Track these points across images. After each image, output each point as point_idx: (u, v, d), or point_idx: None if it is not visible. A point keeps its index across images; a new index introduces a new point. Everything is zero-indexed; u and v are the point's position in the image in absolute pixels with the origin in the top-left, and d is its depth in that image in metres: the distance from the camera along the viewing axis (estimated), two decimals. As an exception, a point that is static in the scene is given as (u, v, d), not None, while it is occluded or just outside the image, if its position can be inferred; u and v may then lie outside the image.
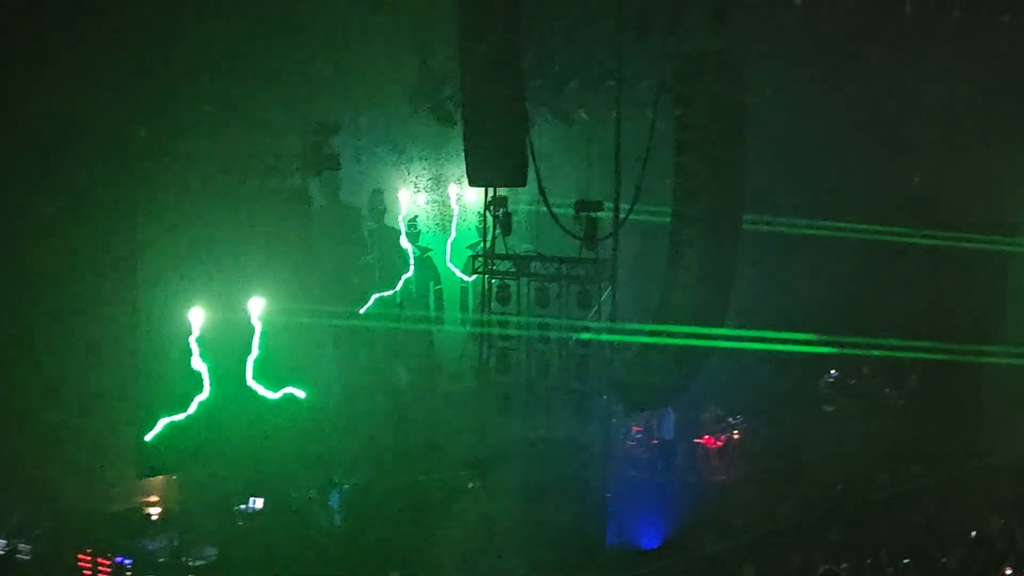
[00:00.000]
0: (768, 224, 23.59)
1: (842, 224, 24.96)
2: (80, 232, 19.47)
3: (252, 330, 20.92)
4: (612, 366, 21.48)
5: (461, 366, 24.30)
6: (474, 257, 23.25)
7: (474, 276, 23.22)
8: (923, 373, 27.13)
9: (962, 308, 26.35)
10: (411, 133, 24.10)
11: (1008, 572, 17.91)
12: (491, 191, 21.72)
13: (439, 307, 25.50)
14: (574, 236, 21.26)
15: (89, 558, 18.96)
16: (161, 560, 19.46)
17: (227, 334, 20.64)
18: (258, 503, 20.83)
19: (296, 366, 21.59)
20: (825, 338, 25.11)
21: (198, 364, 20.34)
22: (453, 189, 25.46)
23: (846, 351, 25.57)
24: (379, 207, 24.53)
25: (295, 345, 21.54)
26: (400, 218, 24.85)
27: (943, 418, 25.82)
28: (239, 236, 20.80)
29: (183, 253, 20.18)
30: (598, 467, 21.40)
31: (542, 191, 20.96)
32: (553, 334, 21.59)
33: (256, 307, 20.91)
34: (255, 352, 20.95)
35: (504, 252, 21.91)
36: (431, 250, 25.35)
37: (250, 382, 20.97)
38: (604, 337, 21.35)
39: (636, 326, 21.63)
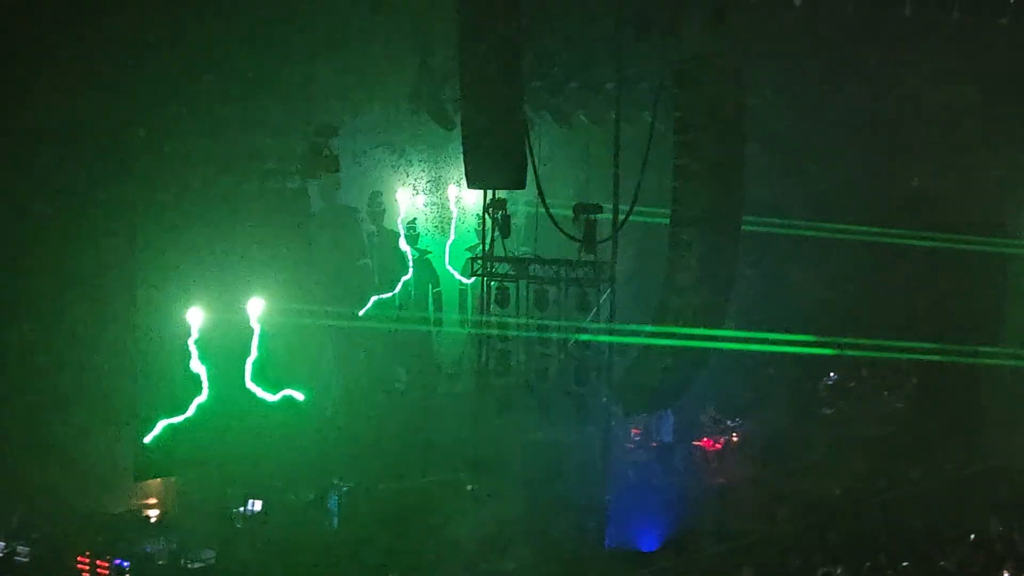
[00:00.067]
0: (767, 226, 23.58)
1: (841, 226, 24.95)
2: (79, 233, 19.46)
3: (251, 332, 20.91)
4: (611, 368, 21.46)
5: (460, 368, 24.33)
6: (473, 259, 23.25)
7: (473, 278, 23.21)
8: (922, 376, 27.14)
9: (961, 310, 26.36)
10: (410, 135, 24.08)
11: (1007, 575, 17.93)
12: (490, 193, 21.72)
13: (438, 309, 25.48)
14: (573, 238, 21.25)
15: (88, 560, 18.94)
16: (160, 562, 19.44)
17: (226, 336, 20.63)
18: (257, 505, 20.83)
19: (295, 368, 21.58)
20: (824, 340, 25.12)
21: (197, 366, 20.34)
22: (452, 191, 25.46)
23: (844, 353, 25.57)
24: (378, 209, 24.50)
25: (294, 347, 21.53)
26: (399, 220, 24.84)
27: (942, 421, 25.84)
28: (238, 238, 20.79)
29: (182, 255, 20.16)
30: (597, 469, 21.39)
31: (541, 193, 20.96)
32: (552, 335, 21.58)
33: (255, 309, 20.90)
34: (254, 354, 20.94)
35: (503, 254, 21.91)
36: (430, 252, 25.33)
37: (249, 384, 20.96)
38: (603, 338, 21.33)
39: (635, 327, 21.62)
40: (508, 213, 21.80)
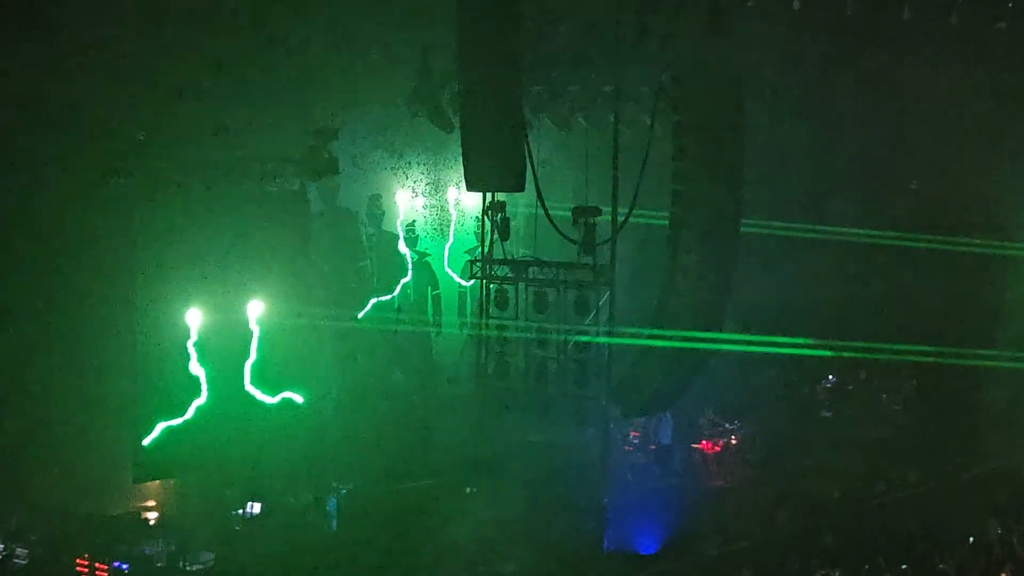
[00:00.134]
0: (766, 228, 23.59)
1: (839, 228, 24.96)
2: (78, 235, 19.47)
3: (250, 334, 20.91)
4: (610, 370, 21.46)
5: (459, 371, 24.33)
6: (472, 262, 23.26)
7: (472, 281, 23.23)
8: (921, 379, 27.14)
9: (961, 313, 26.37)
10: (410, 138, 24.10)
11: (1005, 578, 17.96)
12: (489, 196, 21.73)
13: (437, 312, 25.50)
14: (572, 241, 21.27)
15: (86, 563, 18.96)
16: (159, 565, 19.47)
17: (225, 339, 20.64)
18: (256, 507, 20.84)
19: (294, 371, 21.58)
20: (822, 342, 25.13)
21: (196, 369, 20.35)
22: (451, 194, 25.47)
23: (843, 355, 25.58)
24: (377, 211, 24.54)
25: (293, 349, 21.54)
26: (398, 223, 24.87)
27: (941, 424, 25.83)
28: (237, 240, 20.78)
29: (181, 257, 20.18)
30: (596, 471, 21.39)
31: (540, 196, 20.97)
32: (551, 337, 21.59)
33: (254, 312, 20.91)
34: (253, 357, 20.95)
35: (502, 257, 21.92)
36: (429, 255, 25.37)
37: (248, 387, 20.97)
38: (602, 340, 21.34)
39: (634, 330, 21.62)
40: (507, 216, 21.83)
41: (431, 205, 25.36)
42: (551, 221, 21.21)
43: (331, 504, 21.20)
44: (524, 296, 21.74)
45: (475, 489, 21.79)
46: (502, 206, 21.72)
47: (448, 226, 25.70)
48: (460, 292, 25.76)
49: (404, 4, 22.13)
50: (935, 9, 22.66)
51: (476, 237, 24.14)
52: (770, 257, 24.43)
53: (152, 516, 20.53)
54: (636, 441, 24.50)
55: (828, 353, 25.35)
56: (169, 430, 20.19)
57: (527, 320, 21.74)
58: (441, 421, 23.46)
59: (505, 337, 21.77)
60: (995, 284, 26.51)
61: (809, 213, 25.10)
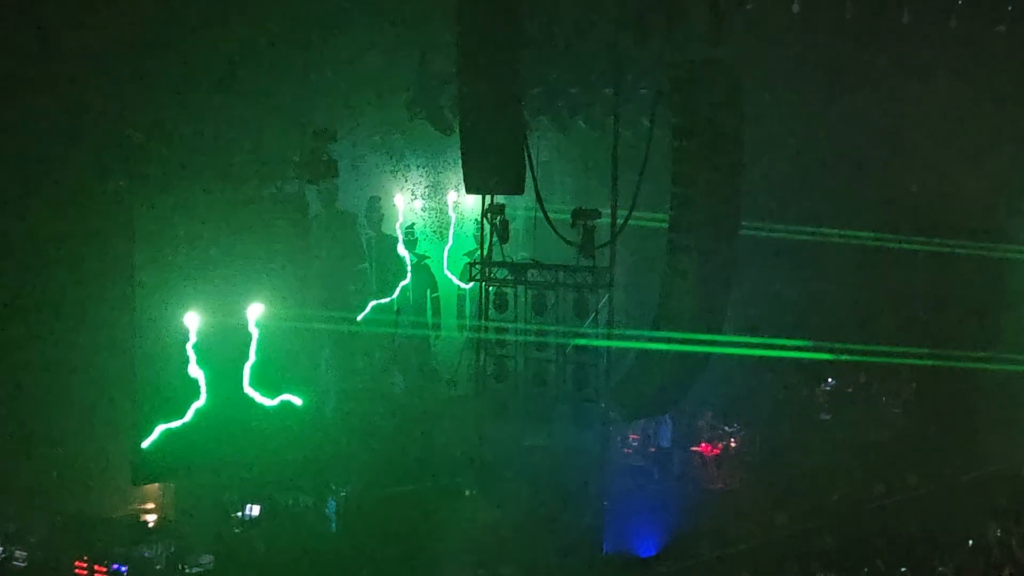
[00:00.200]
0: (765, 230, 23.59)
1: (839, 230, 24.97)
2: (77, 237, 19.45)
3: (249, 337, 20.89)
4: (609, 373, 21.46)
5: (458, 374, 24.32)
6: (471, 264, 23.24)
7: (471, 283, 23.20)
8: (921, 381, 27.14)
9: (960, 315, 26.38)
10: (409, 140, 24.10)
11: (1005, 581, 17.96)
12: (488, 199, 21.72)
13: (436, 314, 25.48)
14: (571, 244, 21.27)
15: (85, 565, 18.94)
16: (158, 567, 19.44)
17: (224, 341, 20.60)
18: (255, 510, 20.82)
19: (293, 373, 21.55)
20: (822, 345, 25.13)
21: (195, 371, 20.33)
22: (451, 196, 25.47)
23: (842, 358, 25.58)
24: (376, 214, 24.52)
25: (292, 352, 21.49)
26: (398, 225, 24.85)
27: (940, 427, 25.84)
28: (236, 243, 20.76)
29: (180, 259, 20.14)
30: (595, 475, 21.39)
31: (539, 199, 20.97)
32: (550, 340, 21.58)
33: (253, 314, 20.90)
34: (252, 359, 20.92)
35: (501, 260, 21.91)
36: (428, 257, 25.35)
37: (247, 389, 20.94)
38: (601, 343, 21.34)
39: (633, 331, 21.62)
40: (506, 218, 21.81)
41: (430, 208, 25.35)
42: (550, 224, 21.20)
43: (330, 506, 21.18)
44: (523, 299, 21.73)
45: (474, 491, 21.78)
46: (501, 209, 21.71)
47: (447, 229, 25.68)
48: (459, 295, 25.74)
49: (403, 6, 22.14)
50: (934, 12, 22.65)
51: (475, 240, 24.12)
52: (770, 259, 24.43)
53: (151, 518, 20.49)
54: (635, 444, 24.52)
55: (828, 356, 25.35)
56: (168, 432, 20.15)
57: (526, 323, 21.72)
58: (440, 424, 23.43)
59: (504, 340, 21.76)
60: (994, 287, 26.51)
61: (809, 215, 25.08)
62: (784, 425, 25.76)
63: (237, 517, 20.74)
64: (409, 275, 24.86)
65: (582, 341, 21.38)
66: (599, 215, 21.15)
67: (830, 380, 27.64)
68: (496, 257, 21.89)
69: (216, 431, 20.51)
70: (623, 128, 21.65)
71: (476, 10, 19.85)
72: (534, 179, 20.80)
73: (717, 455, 24.65)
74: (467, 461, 22.00)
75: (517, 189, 20.65)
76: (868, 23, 22.83)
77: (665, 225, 21.27)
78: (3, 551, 18.96)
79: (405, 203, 24.92)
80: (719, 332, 21.45)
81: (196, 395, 20.34)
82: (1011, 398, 25.52)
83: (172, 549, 19.60)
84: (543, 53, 22.19)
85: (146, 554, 19.41)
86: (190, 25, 19.67)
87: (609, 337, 21.30)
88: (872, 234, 25.19)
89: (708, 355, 21.37)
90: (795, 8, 21.99)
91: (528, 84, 21.80)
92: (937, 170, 26.56)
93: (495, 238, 21.74)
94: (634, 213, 21.12)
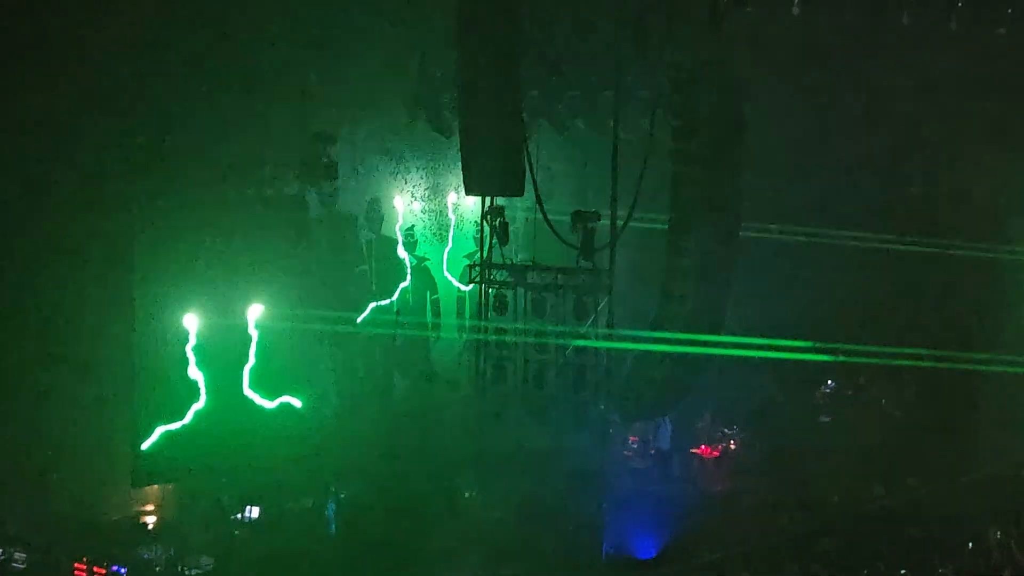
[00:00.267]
0: (765, 232, 23.59)
1: (839, 231, 24.95)
2: (78, 240, 19.47)
3: (249, 339, 20.92)
4: (609, 375, 21.46)
5: (458, 376, 24.30)
6: (471, 266, 23.23)
7: (471, 285, 23.18)
8: (920, 384, 27.11)
9: (960, 317, 26.35)
10: (409, 142, 24.09)
11: (1004, 583, 17.96)
12: (488, 201, 21.72)
13: (436, 316, 25.47)
14: (571, 246, 21.27)
15: (85, 567, 18.98)
16: (157, 569, 19.52)
17: (224, 343, 20.65)
18: (254, 512, 20.84)
19: (293, 375, 21.59)
20: (822, 346, 25.10)
21: (195, 373, 20.36)
22: (450, 198, 25.47)
23: (840, 359, 25.55)
24: (376, 216, 24.49)
25: (292, 354, 21.53)
26: (397, 227, 24.83)
27: (940, 429, 25.80)
28: (236, 245, 20.79)
29: (181, 262, 20.19)
30: (595, 477, 21.38)
31: (539, 201, 20.97)
32: (550, 342, 21.58)
33: (253, 316, 20.91)
34: (251, 361, 20.95)
35: (501, 262, 21.90)
36: (428, 259, 25.33)
37: (246, 391, 20.97)
38: (601, 344, 21.34)
39: (633, 334, 21.62)
40: (506, 220, 21.80)
41: (430, 210, 25.32)
42: (550, 226, 21.19)
43: (329, 508, 21.21)
44: (523, 301, 21.72)
45: (474, 493, 21.78)
46: (501, 210, 21.70)
47: (447, 230, 25.65)
48: (459, 297, 25.72)
49: (403, 9, 22.14)
50: (934, 13, 22.63)
51: (475, 241, 24.13)
52: (769, 261, 24.40)
53: (151, 520, 20.55)
54: (635, 446, 24.51)
55: (828, 358, 25.31)
56: (168, 434, 20.22)
57: (526, 325, 21.71)
58: (440, 426, 23.44)
59: (504, 342, 21.75)
60: (995, 288, 26.48)
61: (809, 217, 25.06)
62: (784, 427, 25.72)
63: (236, 519, 20.76)
64: (409, 277, 24.84)
65: (582, 343, 21.37)
66: (599, 217, 21.14)
67: (830, 382, 27.61)
68: (496, 259, 21.88)
69: (216, 433, 20.57)
70: (623, 130, 21.64)
71: (476, 12, 19.85)
72: (534, 181, 20.79)
73: (716, 457, 24.64)
74: (467, 463, 21.98)
75: (517, 191, 20.64)
76: (868, 24, 22.80)
77: (665, 227, 21.29)
78: (3, 552, 19.00)
79: (405, 205, 24.91)
80: (718, 334, 21.46)
81: (196, 397, 20.40)
82: (1011, 400, 25.48)
83: (171, 551, 19.68)
84: (543, 55, 22.19)
85: (145, 556, 19.48)
86: (191, 28, 19.68)
87: (609, 339, 21.28)
88: (872, 235, 25.15)
89: (708, 357, 21.37)
90: (795, 10, 21.95)
91: (528, 86, 21.79)
92: (937, 171, 26.53)
93: (495, 240, 21.74)
94: (634, 215, 21.11)
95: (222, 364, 20.69)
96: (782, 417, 26.18)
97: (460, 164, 20.78)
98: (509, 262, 22.11)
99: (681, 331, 20.90)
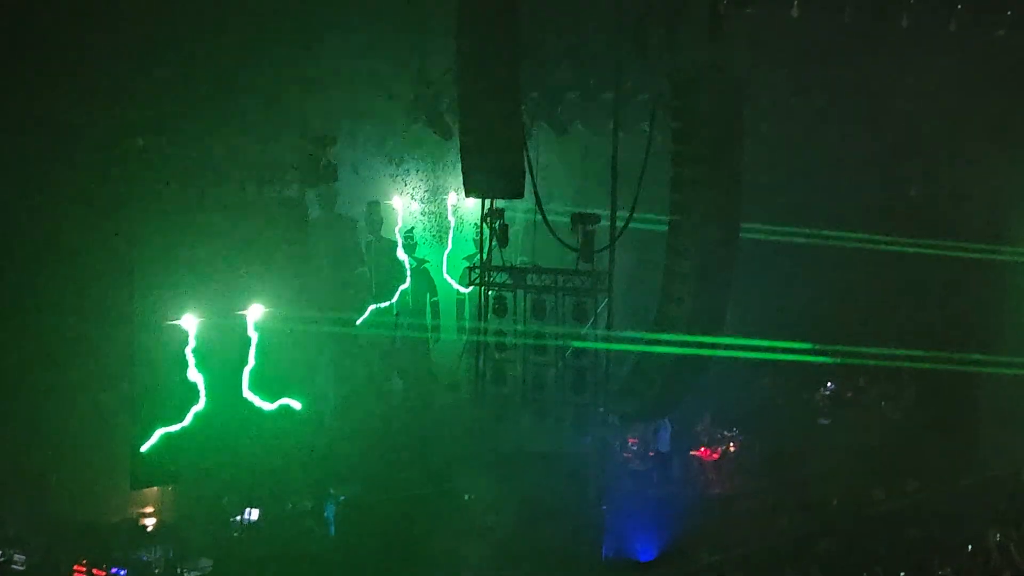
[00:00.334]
0: (765, 233, 23.60)
1: (838, 233, 24.97)
2: (77, 241, 19.46)
3: (248, 341, 20.91)
4: (608, 377, 21.46)
5: (457, 378, 24.30)
6: (471, 268, 23.25)
7: (471, 287, 23.20)
8: (920, 386, 27.12)
9: (960, 319, 26.37)
10: (408, 144, 24.09)
11: (1004, 586, 17.95)
12: (488, 203, 21.72)
13: (435, 318, 25.47)
14: (571, 248, 21.28)
15: (84, 569, 18.95)
16: (156, 571, 19.50)
17: (223, 345, 20.64)
18: (254, 514, 20.82)
19: (292, 377, 21.58)
20: (821, 348, 25.11)
21: (194, 375, 20.35)
22: (450, 200, 25.47)
23: (839, 361, 25.57)
24: (376, 218, 24.50)
25: (291, 356, 21.52)
26: (397, 229, 24.84)
27: (940, 431, 25.81)
28: (236, 247, 20.78)
29: (180, 264, 20.17)
30: (594, 479, 21.38)
31: (539, 203, 20.97)
32: (550, 343, 21.59)
33: (252, 318, 20.91)
34: (251, 363, 20.94)
35: (501, 264, 21.91)
36: (428, 261, 25.33)
37: (246, 393, 20.96)
38: (600, 345, 21.35)
39: (633, 335, 21.63)
40: (506, 222, 21.83)
41: (430, 212, 25.33)
42: (550, 228, 21.21)
43: (329, 511, 21.19)
44: (522, 303, 21.73)
45: (473, 496, 21.76)
46: (501, 213, 21.72)
47: (447, 233, 25.66)
48: (458, 299, 25.73)
49: (403, 11, 22.15)
50: (934, 16, 22.65)
51: (475, 244, 24.13)
52: (769, 262, 24.42)
53: (150, 522, 20.52)
54: (634, 448, 24.50)
55: (827, 360, 25.34)
56: (167, 436, 20.19)
57: (525, 327, 21.71)
58: (439, 428, 23.44)
59: (503, 343, 21.76)
60: (994, 290, 26.49)
61: (808, 218, 25.08)
62: (783, 429, 25.72)
63: (236, 521, 20.73)
64: (408, 279, 24.84)
65: (581, 344, 21.38)
66: (598, 219, 21.16)
67: (829, 384, 27.62)
68: (495, 261, 21.90)
69: (215, 435, 20.56)
70: (623, 132, 21.66)
71: (476, 14, 19.85)
72: (534, 183, 20.80)
73: (716, 459, 24.65)
74: (466, 465, 21.97)
75: (517, 193, 20.64)
76: (867, 26, 22.82)
77: (664, 229, 21.31)
78: (2, 554, 18.95)
79: (404, 207, 24.92)
80: (718, 336, 21.47)
81: (195, 399, 20.38)
82: (1011, 402, 25.48)
83: (171, 553, 19.65)
84: (543, 57, 22.21)
85: (144, 558, 19.45)
86: (191, 30, 19.68)
87: (608, 341, 21.29)
88: (872, 236, 25.17)
89: (708, 359, 21.38)
90: (794, 12, 21.96)
91: (528, 88, 21.80)
92: (938, 172, 26.55)
93: (494, 242, 21.75)
94: (634, 217, 21.12)
95: (222, 366, 20.68)
96: (782, 419, 26.21)
97: (460, 166, 20.78)
98: (509, 264, 22.13)
99: (681, 333, 20.92)
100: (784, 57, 24.10)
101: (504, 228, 21.75)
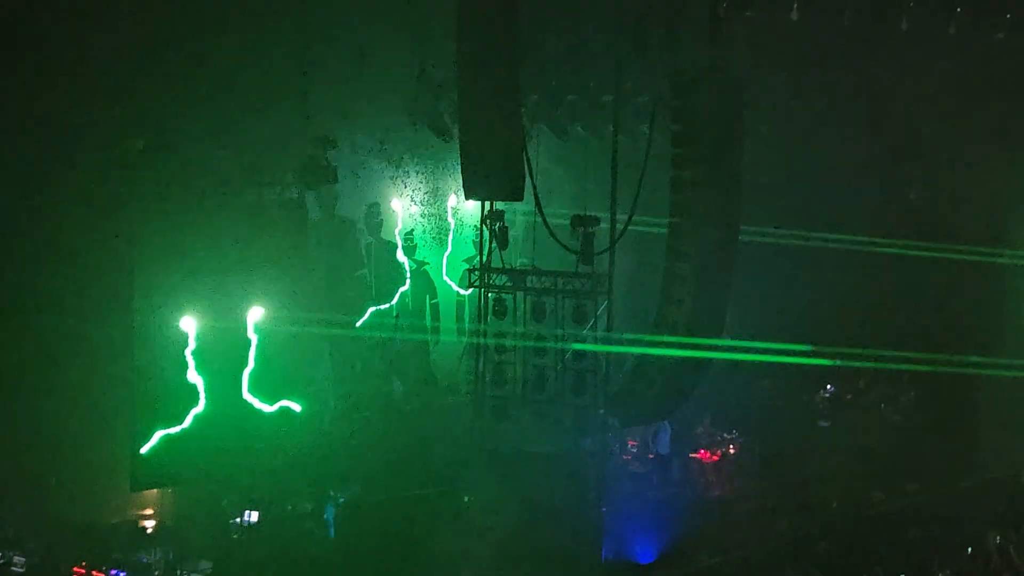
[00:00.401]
0: (765, 236, 23.62)
1: (838, 235, 24.99)
2: (77, 241, 19.47)
3: (248, 343, 20.90)
4: (608, 379, 21.45)
5: (457, 380, 24.31)
6: (470, 271, 23.24)
7: (470, 290, 23.20)
8: (920, 388, 27.13)
9: (960, 321, 26.37)
10: (408, 146, 24.10)
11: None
12: (488, 205, 21.72)
13: (435, 320, 25.48)
14: (570, 250, 21.28)
15: (84, 570, 18.93)
16: (156, 573, 19.47)
17: (223, 347, 20.63)
18: (253, 516, 20.79)
19: (292, 379, 21.57)
20: (821, 350, 25.11)
21: (194, 377, 20.34)
22: (450, 202, 25.48)
23: (839, 363, 25.56)
24: (376, 220, 24.52)
25: (291, 358, 21.51)
26: (396, 231, 24.85)
27: (940, 433, 25.80)
28: (236, 249, 20.78)
29: (180, 265, 20.17)
30: (594, 481, 21.37)
31: (539, 205, 20.97)
32: (550, 345, 21.58)
33: (252, 320, 20.90)
34: (251, 365, 20.93)
35: (500, 266, 21.91)
36: (427, 263, 25.34)
37: (246, 395, 20.95)
38: (600, 348, 21.34)
39: (633, 337, 21.63)
40: (506, 224, 21.82)
41: (429, 214, 25.34)
42: (549, 230, 21.20)
43: (329, 513, 21.16)
44: (522, 305, 21.72)
45: (473, 498, 21.74)
46: (500, 215, 21.71)
47: (446, 235, 25.67)
48: (458, 301, 25.74)
49: (403, 13, 22.16)
50: (933, 18, 22.67)
51: (474, 246, 24.12)
52: (769, 265, 24.44)
53: (150, 524, 20.52)
54: (634, 450, 24.49)
55: (827, 362, 25.33)
56: (167, 438, 20.19)
57: (525, 329, 21.71)
58: (439, 430, 23.42)
59: (503, 346, 21.75)
60: (994, 293, 26.51)
61: (808, 220, 25.10)
62: (783, 431, 25.72)
63: (235, 523, 20.71)
64: (408, 281, 24.85)
65: (581, 346, 21.38)
66: (598, 221, 21.16)
67: (829, 386, 27.62)
68: (495, 263, 21.88)
69: (215, 437, 20.55)
70: (622, 134, 21.67)
71: (475, 16, 19.85)
72: (533, 185, 20.79)
73: (716, 461, 24.64)
74: (466, 467, 21.96)
75: (516, 195, 20.62)
76: (867, 29, 22.84)
77: (664, 231, 21.31)
78: (2, 557, 18.94)
79: (404, 209, 24.92)
80: (718, 338, 21.47)
81: (195, 401, 20.37)
82: (1011, 404, 25.48)
83: (170, 555, 19.63)
84: (542, 59, 22.22)
85: (144, 560, 19.43)
86: (191, 30, 19.69)
87: (608, 343, 21.28)
88: (871, 239, 25.19)
89: (707, 361, 21.37)
90: (794, 15, 21.98)
91: (527, 90, 21.81)
92: (937, 175, 26.56)
93: (494, 244, 21.74)
94: (633, 219, 21.12)
95: (221, 368, 20.67)
96: (781, 421, 26.21)
97: (460, 168, 20.78)
98: (508, 266, 22.13)
99: (680, 335, 20.92)
100: (784, 59, 24.14)
101: (504, 230, 21.75)
